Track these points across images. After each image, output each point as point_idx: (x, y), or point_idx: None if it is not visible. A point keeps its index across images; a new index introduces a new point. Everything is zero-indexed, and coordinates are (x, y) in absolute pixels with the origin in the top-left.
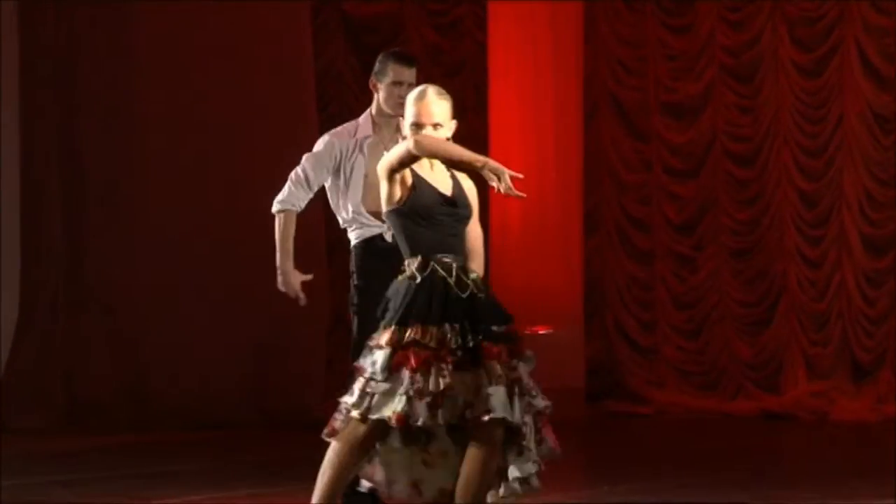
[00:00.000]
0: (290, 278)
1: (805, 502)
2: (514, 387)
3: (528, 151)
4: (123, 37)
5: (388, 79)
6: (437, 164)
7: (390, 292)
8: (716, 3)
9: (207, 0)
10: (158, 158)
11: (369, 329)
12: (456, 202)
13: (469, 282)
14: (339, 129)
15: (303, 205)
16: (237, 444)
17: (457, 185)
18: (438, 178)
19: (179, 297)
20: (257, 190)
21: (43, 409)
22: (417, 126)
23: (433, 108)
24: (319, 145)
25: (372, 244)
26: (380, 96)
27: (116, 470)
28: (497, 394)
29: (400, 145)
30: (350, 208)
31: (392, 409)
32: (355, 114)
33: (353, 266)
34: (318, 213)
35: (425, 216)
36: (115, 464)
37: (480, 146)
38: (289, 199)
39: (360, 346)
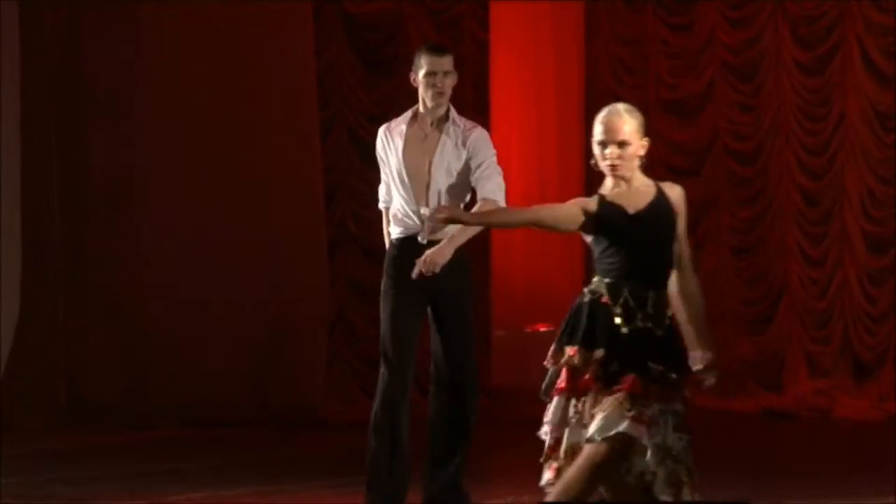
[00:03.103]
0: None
1: (806, 500)
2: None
3: (529, 150)
4: (124, 37)
5: (423, 70)
6: (638, 176)
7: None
8: (717, 2)
9: (208, 0)
10: (159, 158)
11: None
12: (642, 221)
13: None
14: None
15: (386, 198)
16: (239, 443)
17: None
18: (633, 196)
19: (181, 295)
20: (259, 188)
21: (45, 407)
22: (603, 144)
23: (620, 126)
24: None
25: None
26: (420, 90)
27: (119, 468)
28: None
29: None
30: (395, 202)
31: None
32: (356, 112)
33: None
34: (320, 212)
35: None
36: (118, 462)
37: None
38: (381, 196)
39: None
